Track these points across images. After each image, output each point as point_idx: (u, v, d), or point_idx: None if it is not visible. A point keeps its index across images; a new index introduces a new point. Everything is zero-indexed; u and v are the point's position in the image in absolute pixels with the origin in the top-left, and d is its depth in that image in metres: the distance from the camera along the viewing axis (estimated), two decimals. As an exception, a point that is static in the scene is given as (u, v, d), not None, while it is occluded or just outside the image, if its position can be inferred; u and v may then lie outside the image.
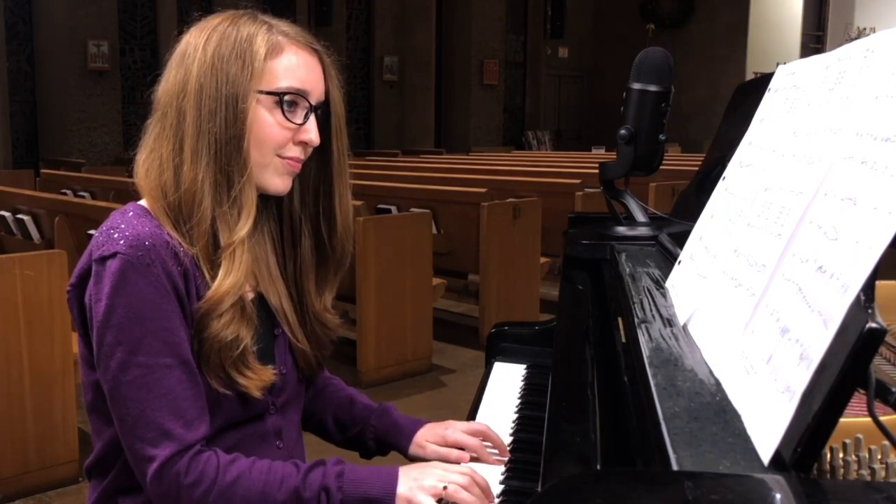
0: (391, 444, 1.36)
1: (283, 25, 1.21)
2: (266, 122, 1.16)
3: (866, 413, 0.64)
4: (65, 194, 5.99)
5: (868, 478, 0.72)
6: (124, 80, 10.70)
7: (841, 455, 0.73)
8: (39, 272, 2.93)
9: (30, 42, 10.52)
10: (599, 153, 12.48)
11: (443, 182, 6.03)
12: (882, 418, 0.65)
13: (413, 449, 1.33)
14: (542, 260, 5.23)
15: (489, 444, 1.30)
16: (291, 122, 1.17)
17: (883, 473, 0.73)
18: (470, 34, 14.66)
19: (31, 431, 2.97)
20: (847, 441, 0.74)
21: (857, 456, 0.73)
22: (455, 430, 1.31)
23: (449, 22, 14.85)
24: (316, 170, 1.27)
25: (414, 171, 7.76)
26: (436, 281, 4.55)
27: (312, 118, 1.19)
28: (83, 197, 6.01)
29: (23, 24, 10.43)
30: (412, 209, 5.00)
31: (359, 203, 4.28)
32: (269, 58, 1.16)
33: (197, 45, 1.17)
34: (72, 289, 1.15)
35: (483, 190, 5.09)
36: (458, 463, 1.26)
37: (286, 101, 1.17)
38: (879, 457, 0.74)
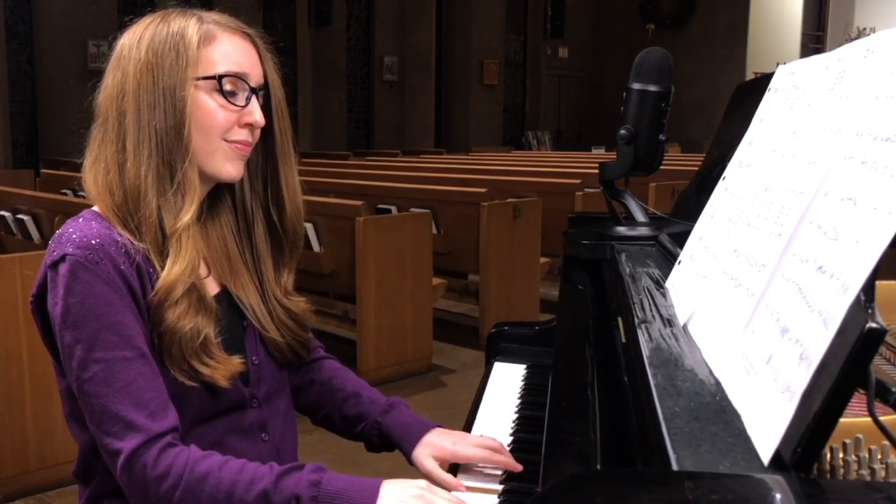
0: (395, 443, 1.32)
1: (214, 15, 1.23)
2: (208, 107, 1.18)
3: (866, 413, 0.64)
4: (65, 194, 5.98)
5: (868, 478, 0.72)
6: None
7: (841, 455, 0.73)
8: (39, 272, 2.93)
9: (30, 42, 10.52)
10: (599, 153, 12.48)
11: (443, 182, 6.03)
12: (882, 418, 0.65)
13: (415, 456, 1.28)
14: (542, 260, 5.23)
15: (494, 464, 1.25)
16: (233, 104, 1.18)
17: (883, 473, 0.73)
18: (470, 34, 14.67)
19: (31, 431, 2.97)
20: (847, 441, 0.73)
21: (857, 456, 0.73)
22: (465, 445, 1.25)
23: (449, 22, 14.86)
24: (262, 155, 1.28)
25: (414, 171, 7.75)
26: (436, 281, 4.55)
27: (254, 99, 1.20)
28: (83, 197, 6.00)
29: (23, 24, 10.43)
30: (412, 209, 5.00)
31: (359, 203, 4.28)
32: (203, 46, 1.18)
33: (131, 45, 1.19)
34: (34, 300, 1.16)
35: (483, 190, 5.08)
36: (454, 490, 1.20)
37: (225, 84, 1.18)
38: (879, 457, 0.74)
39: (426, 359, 4.51)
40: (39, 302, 1.16)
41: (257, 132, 1.22)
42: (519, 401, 1.52)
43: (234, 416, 1.23)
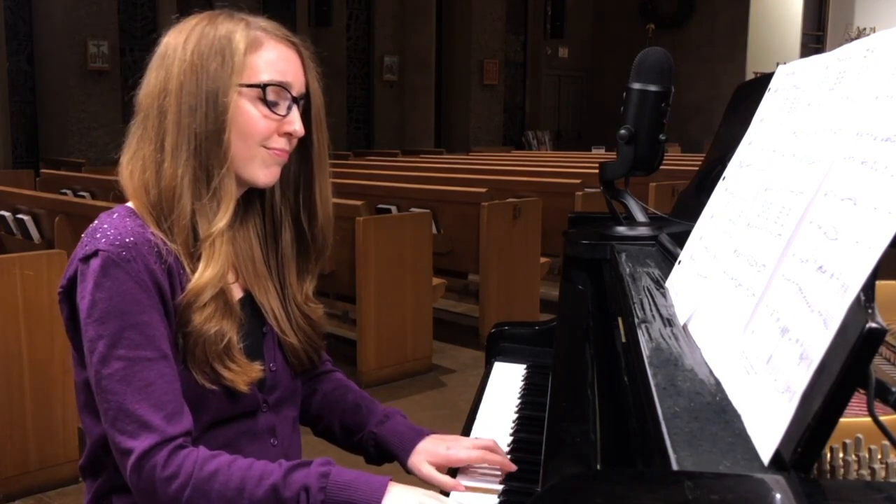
0: (390, 452, 1.32)
1: (261, 21, 1.23)
2: (250, 115, 1.18)
3: (866, 413, 0.64)
4: (65, 194, 5.99)
5: (868, 478, 0.72)
6: (124, 80, 10.69)
7: (841, 455, 0.73)
8: (39, 272, 2.93)
9: (30, 42, 10.52)
10: (599, 153, 12.48)
11: (443, 182, 6.03)
12: (882, 418, 0.65)
13: (411, 464, 1.28)
14: (542, 260, 5.23)
15: (489, 463, 1.24)
16: (275, 113, 1.19)
17: (883, 473, 0.73)
18: (470, 34, 14.66)
19: (31, 431, 2.97)
20: (847, 441, 0.73)
21: (857, 456, 0.73)
22: (459, 448, 1.25)
23: (449, 22, 14.85)
24: (296, 162, 1.28)
25: (414, 171, 7.75)
26: (436, 281, 4.55)
27: (295, 109, 1.21)
28: (83, 197, 6.01)
29: (23, 24, 10.43)
30: (412, 209, 5.00)
31: (359, 203, 4.27)
32: (249, 52, 1.18)
33: (176, 45, 1.18)
34: (62, 291, 1.17)
35: (483, 190, 5.08)
36: (454, 490, 1.20)
37: (269, 93, 1.18)
38: (879, 457, 0.74)
39: (426, 359, 4.51)
40: (68, 293, 1.16)
41: (294, 141, 1.22)
42: (519, 401, 1.52)
43: (247, 420, 1.23)
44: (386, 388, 4.15)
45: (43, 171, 8.22)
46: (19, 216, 4.90)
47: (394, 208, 5.15)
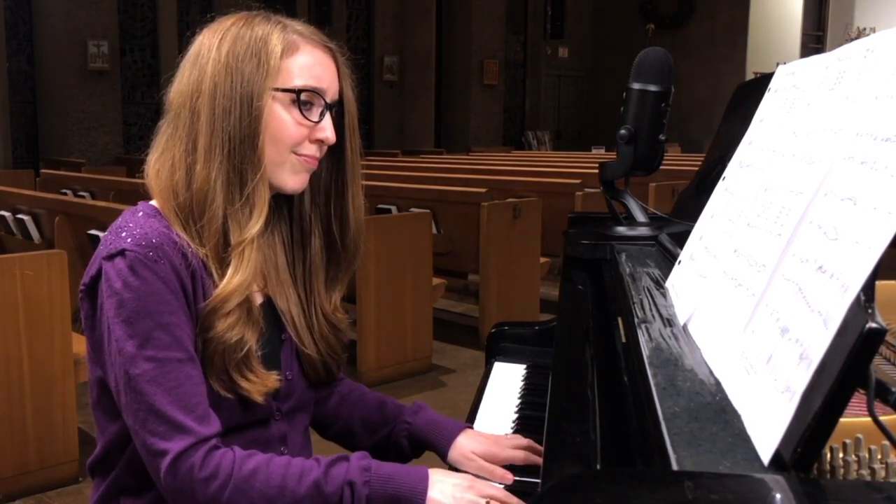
0: (429, 442, 1.31)
1: (297, 25, 1.21)
2: (282, 120, 1.16)
3: (866, 413, 0.64)
4: (65, 194, 5.99)
5: (868, 478, 0.72)
6: (124, 80, 10.70)
7: (841, 455, 0.72)
8: (39, 272, 2.93)
9: (30, 42, 10.53)
10: (599, 153, 12.48)
11: (443, 182, 6.03)
12: (882, 418, 0.65)
13: (456, 456, 1.27)
14: (542, 260, 5.23)
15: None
16: (308, 119, 1.17)
17: (883, 473, 0.73)
18: (470, 34, 14.67)
19: (31, 431, 2.97)
20: (847, 441, 0.73)
21: (857, 456, 0.73)
22: (503, 447, 1.26)
23: (449, 22, 14.86)
24: (328, 169, 1.26)
25: (414, 171, 7.75)
26: (436, 281, 4.55)
27: (328, 116, 1.19)
28: (83, 197, 6.01)
29: (23, 24, 10.44)
30: (412, 209, 5.00)
31: (359, 203, 4.27)
32: (285, 56, 1.16)
33: (211, 45, 1.16)
34: (84, 288, 1.15)
35: (483, 190, 5.08)
36: (502, 482, 1.21)
37: (302, 98, 1.16)
38: (879, 457, 0.74)
39: (426, 359, 4.51)
40: (90, 291, 1.14)
41: (325, 148, 1.21)
42: (519, 401, 1.52)
43: (259, 428, 1.22)
44: (386, 388, 4.15)
45: (43, 171, 8.22)
46: (19, 216, 4.90)
47: (394, 208, 5.15)
